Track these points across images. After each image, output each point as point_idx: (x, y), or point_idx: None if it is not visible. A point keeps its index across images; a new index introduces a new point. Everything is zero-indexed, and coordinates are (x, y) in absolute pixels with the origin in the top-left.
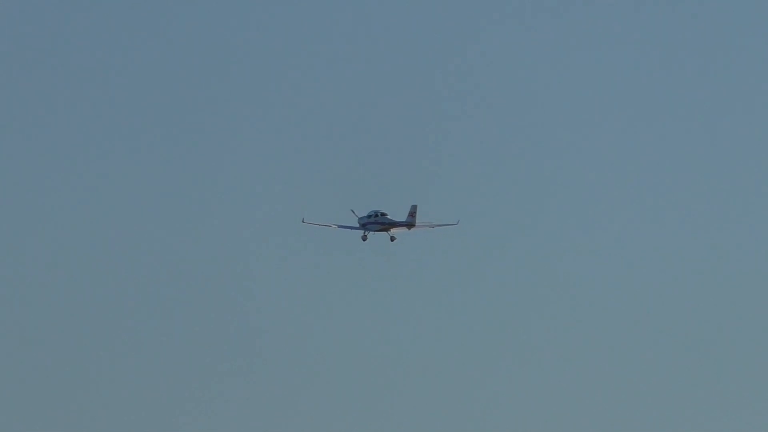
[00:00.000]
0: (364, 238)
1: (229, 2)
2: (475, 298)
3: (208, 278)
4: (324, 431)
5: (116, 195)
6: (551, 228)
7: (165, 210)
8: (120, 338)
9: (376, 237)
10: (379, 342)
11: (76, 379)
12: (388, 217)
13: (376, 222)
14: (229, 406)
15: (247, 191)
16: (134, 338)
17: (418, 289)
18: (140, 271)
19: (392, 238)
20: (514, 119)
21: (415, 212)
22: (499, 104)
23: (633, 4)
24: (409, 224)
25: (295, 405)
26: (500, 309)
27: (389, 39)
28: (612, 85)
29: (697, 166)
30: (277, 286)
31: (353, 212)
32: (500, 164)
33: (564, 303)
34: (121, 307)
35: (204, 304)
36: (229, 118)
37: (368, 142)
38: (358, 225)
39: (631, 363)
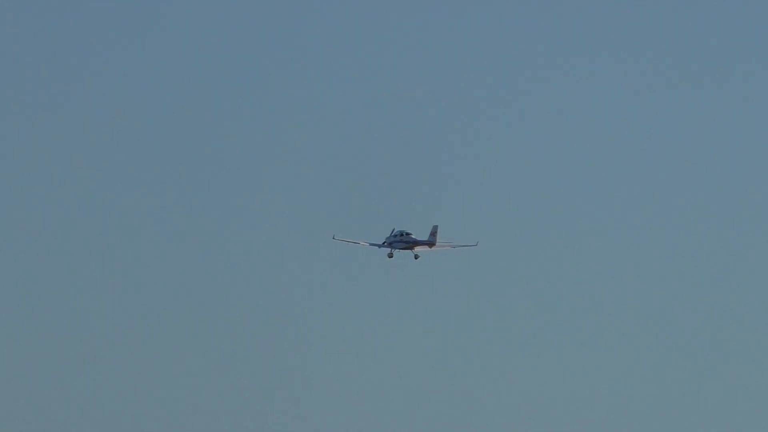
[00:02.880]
0: (391, 256)
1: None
2: (487, 315)
3: (245, 291)
4: None
5: (141, 218)
6: (567, 253)
7: (197, 225)
8: (148, 356)
9: (401, 254)
10: (405, 352)
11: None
12: (412, 236)
13: (401, 241)
14: (250, 416)
15: (285, 210)
16: (162, 356)
17: (438, 303)
18: (169, 287)
19: (416, 256)
20: (536, 145)
21: (436, 232)
22: (520, 131)
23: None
24: (430, 243)
25: (317, 414)
26: (511, 325)
27: (417, 64)
28: (638, 110)
29: (719, 189)
30: (308, 296)
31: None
32: (521, 189)
33: (579, 329)
34: (150, 324)
35: (239, 316)
36: (266, 141)
37: (400, 166)
38: (385, 243)
39: (649, 382)
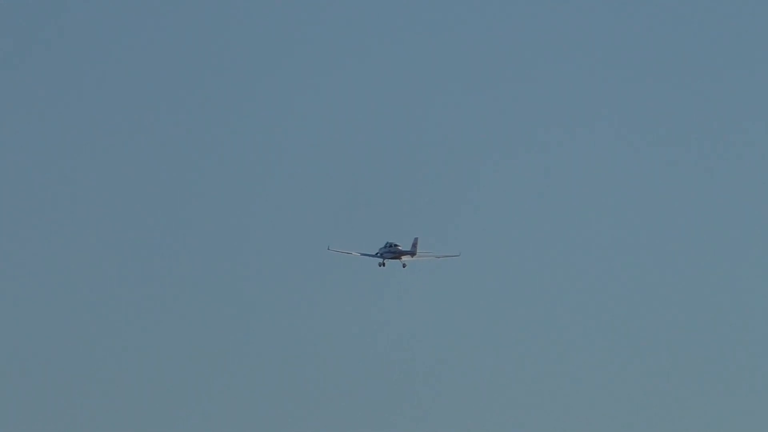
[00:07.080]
0: (382, 265)
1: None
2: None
3: (251, 294)
4: None
5: (136, 224)
6: (548, 266)
7: (193, 234)
8: (140, 365)
9: (390, 263)
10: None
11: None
12: (400, 247)
13: (389, 251)
14: (245, 419)
15: (285, 223)
16: (154, 362)
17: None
18: (163, 295)
19: (403, 265)
20: (520, 158)
21: (416, 243)
22: (505, 145)
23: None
24: (412, 253)
25: (311, 415)
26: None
27: (409, 78)
28: (620, 115)
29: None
30: (304, 302)
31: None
32: (507, 202)
33: (560, 337)
34: (143, 331)
35: (244, 318)
36: (272, 156)
37: (393, 183)
38: (377, 253)
39: (638, 396)
